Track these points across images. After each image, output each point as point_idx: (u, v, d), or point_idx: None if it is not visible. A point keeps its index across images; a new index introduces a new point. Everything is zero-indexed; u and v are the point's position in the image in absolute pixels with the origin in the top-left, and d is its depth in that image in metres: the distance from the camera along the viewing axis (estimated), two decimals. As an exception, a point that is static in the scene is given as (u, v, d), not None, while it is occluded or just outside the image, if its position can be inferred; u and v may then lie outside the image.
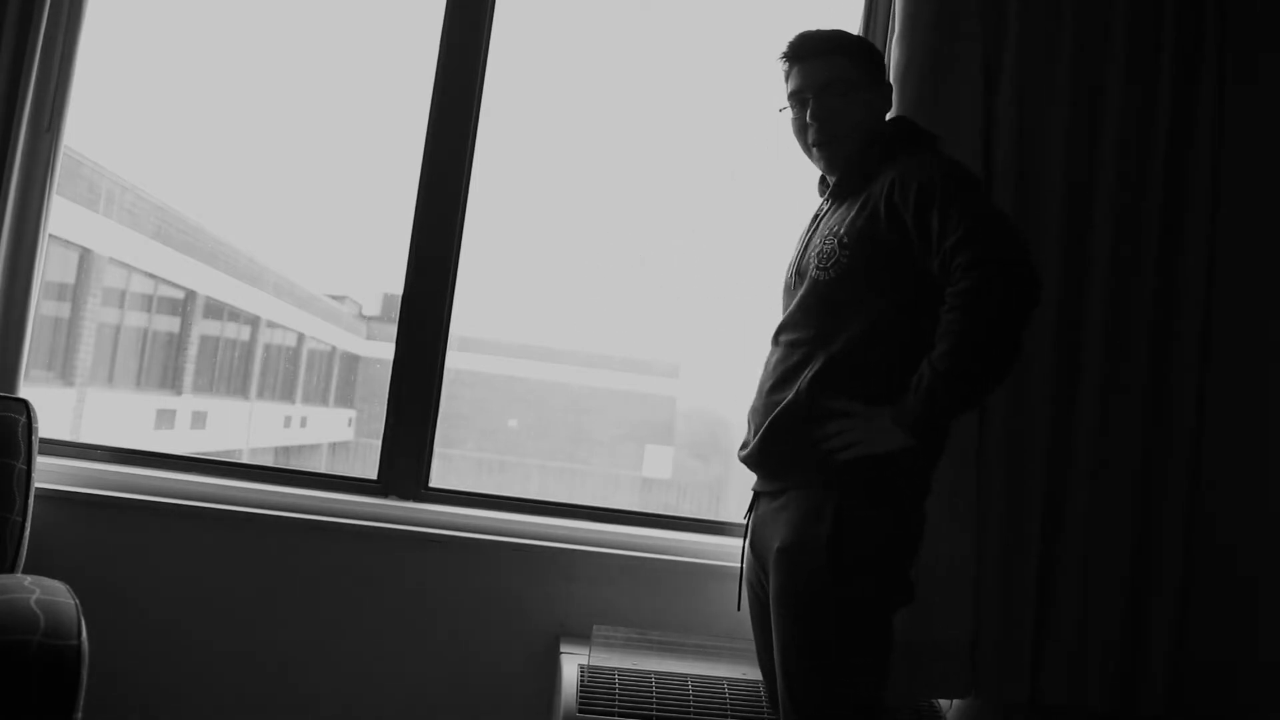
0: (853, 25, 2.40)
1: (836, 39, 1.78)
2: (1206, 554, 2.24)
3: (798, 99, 1.77)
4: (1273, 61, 2.33)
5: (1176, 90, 2.24)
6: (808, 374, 1.66)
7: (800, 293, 1.73)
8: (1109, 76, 2.21)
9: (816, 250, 1.72)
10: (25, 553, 1.94)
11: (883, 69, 1.84)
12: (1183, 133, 2.25)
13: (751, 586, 1.82)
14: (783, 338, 1.76)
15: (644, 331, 3.18)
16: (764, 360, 1.81)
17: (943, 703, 2.19)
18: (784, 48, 1.78)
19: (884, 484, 1.62)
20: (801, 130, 1.78)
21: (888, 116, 1.84)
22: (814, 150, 1.77)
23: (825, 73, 1.73)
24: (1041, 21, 2.20)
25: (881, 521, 1.62)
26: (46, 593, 1.65)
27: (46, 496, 2.07)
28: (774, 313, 1.85)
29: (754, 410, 1.77)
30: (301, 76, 3.25)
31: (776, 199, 2.13)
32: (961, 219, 1.53)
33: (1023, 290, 1.51)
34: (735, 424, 1.83)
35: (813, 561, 1.59)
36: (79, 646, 1.52)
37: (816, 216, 1.83)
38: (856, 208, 1.67)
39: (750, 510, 1.82)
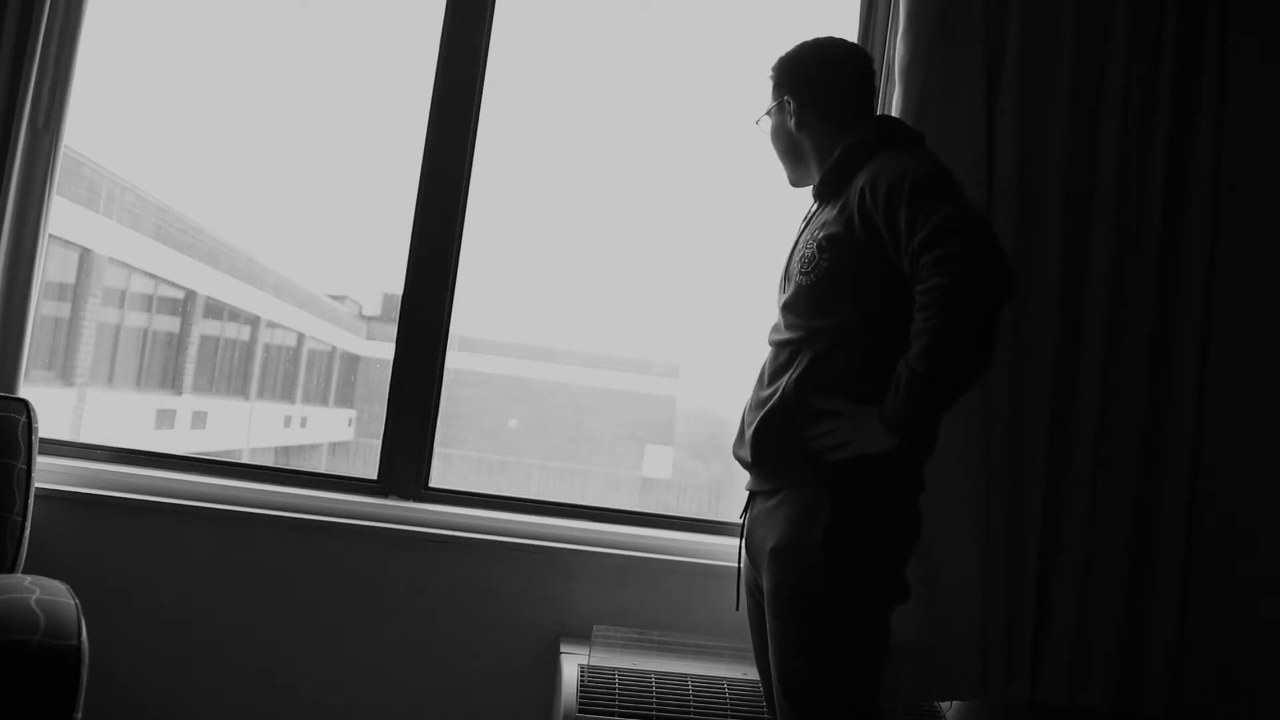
0: (851, 25, 2.40)
1: (774, 64, 1.83)
2: (1206, 554, 2.24)
3: None
4: (1274, 61, 2.33)
5: (1177, 90, 2.24)
6: (793, 374, 1.66)
7: (787, 294, 1.73)
8: (1110, 74, 2.21)
9: (800, 254, 1.72)
10: (25, 553, 1.94)
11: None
12: (1183, 132, 2.25)
13: (747, 586, 1.82)
14: (773, 338, 1.77)
15: (644, 331, 3.17)
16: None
17: (942, 703, 2.19)
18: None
19: (878, 483, 1.62)
20: None
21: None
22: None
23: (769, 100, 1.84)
24: (1044, 17, 2.20)
25: (876, 521, 1.62)
26: (46, 593, 1.65)
27: (46, 496, 2.08)
28: (772, 313, 1.85)
29: (747, 409, 1.78)
30: (302, 76, 3.25)
31: (777, 199, 2.13)
32: (929, 217, 1.52)
33: (991, 284, 1.49)
34: (735, 424, 1.83)
35: (807, 560, 1.59)
36: (79, 646, 1.52)
37: (806, 217, 1.84)
38: (836, 211, 1.67)
39: (745, 510, 1.82)
